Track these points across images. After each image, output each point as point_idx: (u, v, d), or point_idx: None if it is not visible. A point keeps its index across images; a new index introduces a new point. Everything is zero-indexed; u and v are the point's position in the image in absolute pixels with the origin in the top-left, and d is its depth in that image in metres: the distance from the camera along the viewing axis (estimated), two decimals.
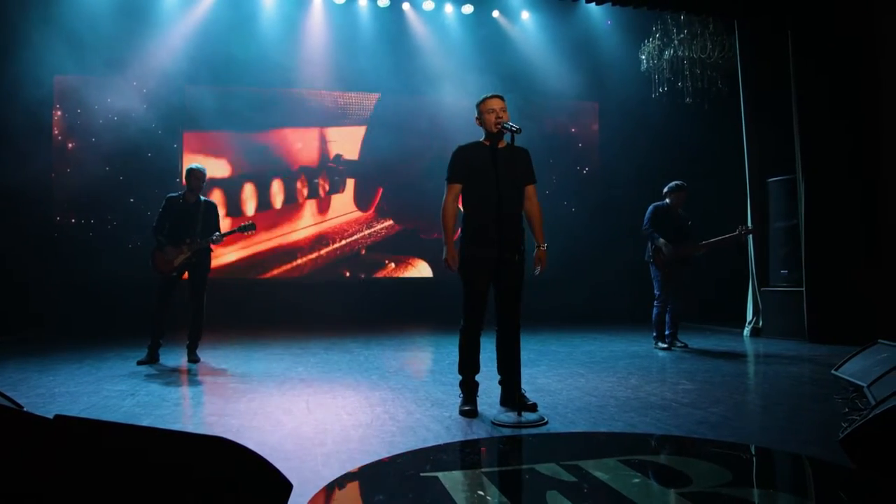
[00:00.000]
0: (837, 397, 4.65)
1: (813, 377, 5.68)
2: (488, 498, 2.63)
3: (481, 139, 4.42)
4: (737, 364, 6.47)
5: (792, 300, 8.33)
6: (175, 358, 6.75)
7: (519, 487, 2.88)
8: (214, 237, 6.64)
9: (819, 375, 5.68)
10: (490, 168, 4.21)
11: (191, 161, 9.27)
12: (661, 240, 7.34)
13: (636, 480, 2.81)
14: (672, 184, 7.52)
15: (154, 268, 6.62)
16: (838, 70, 7.99)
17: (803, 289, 8.12)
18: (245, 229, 6.74)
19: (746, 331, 8.91)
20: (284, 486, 2.22)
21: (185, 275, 6.72)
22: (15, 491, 1.89)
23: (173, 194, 6.76)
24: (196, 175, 6.67)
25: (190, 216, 6.61)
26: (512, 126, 4.08)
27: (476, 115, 4.41)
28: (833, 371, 5.19)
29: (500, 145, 4.33)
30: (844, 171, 7.95)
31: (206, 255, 6.77)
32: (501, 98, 4.34)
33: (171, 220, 6.61)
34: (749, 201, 9.04)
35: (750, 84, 9.03)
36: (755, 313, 8.93)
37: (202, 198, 6.77)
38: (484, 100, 4.36)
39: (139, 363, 6.45)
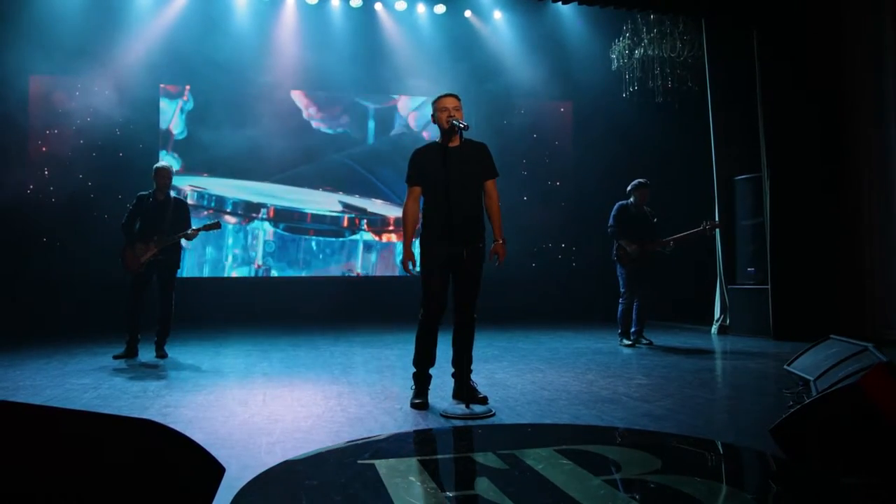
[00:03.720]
0: (786, 391, 4.75)
1: (770, 373, 5.77)
2: (418, 483, 2.71)
3: (438, 139, 4.50)
4: (697, 360, 6.55)
5: (758, 297, 8.43)
6: (144, 353, 6.77)
7: (451, 474, 2.96)
8: (187, 232, 6.68)
9: (776, 371, 5.76)
10: (440, 167, 4.27)
11: (165, 158, 9.28)
12: (624, 240, 7.45)
13: (567, 468, 2.89)
14: (635, 181, 7.60)
15: (124, 266, 6.66)
16: (803, 69, 8.13)
17: (769, 286, 8.24)
18: (211, 227, 6.82)
19: (714, 328, 9.01)
20: (216, 469, 2.26)
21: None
22: None
23: (143, 193, 6.80)
24: (163, 173, 6.72)
25: (159, 214, 6.65)
26: (459, 123, 4.16)
27: (432, 113, 4.46)
28: (786, 366, 5.30)
29: (453, 143, 4.38)
30: (808, 170, 8.08)
31: (176, 252, 6.81)
32: (456, 97, 4.38)
33: (142, 218, 6.65)
34: (716, 199, 9.14)
35: (718, 83, 9.10)
36: (723, 311, 9.03)
37: (172, 195, 6.82)
38: (439, 98, 4.39)
39: (115, 357, 6.53)
